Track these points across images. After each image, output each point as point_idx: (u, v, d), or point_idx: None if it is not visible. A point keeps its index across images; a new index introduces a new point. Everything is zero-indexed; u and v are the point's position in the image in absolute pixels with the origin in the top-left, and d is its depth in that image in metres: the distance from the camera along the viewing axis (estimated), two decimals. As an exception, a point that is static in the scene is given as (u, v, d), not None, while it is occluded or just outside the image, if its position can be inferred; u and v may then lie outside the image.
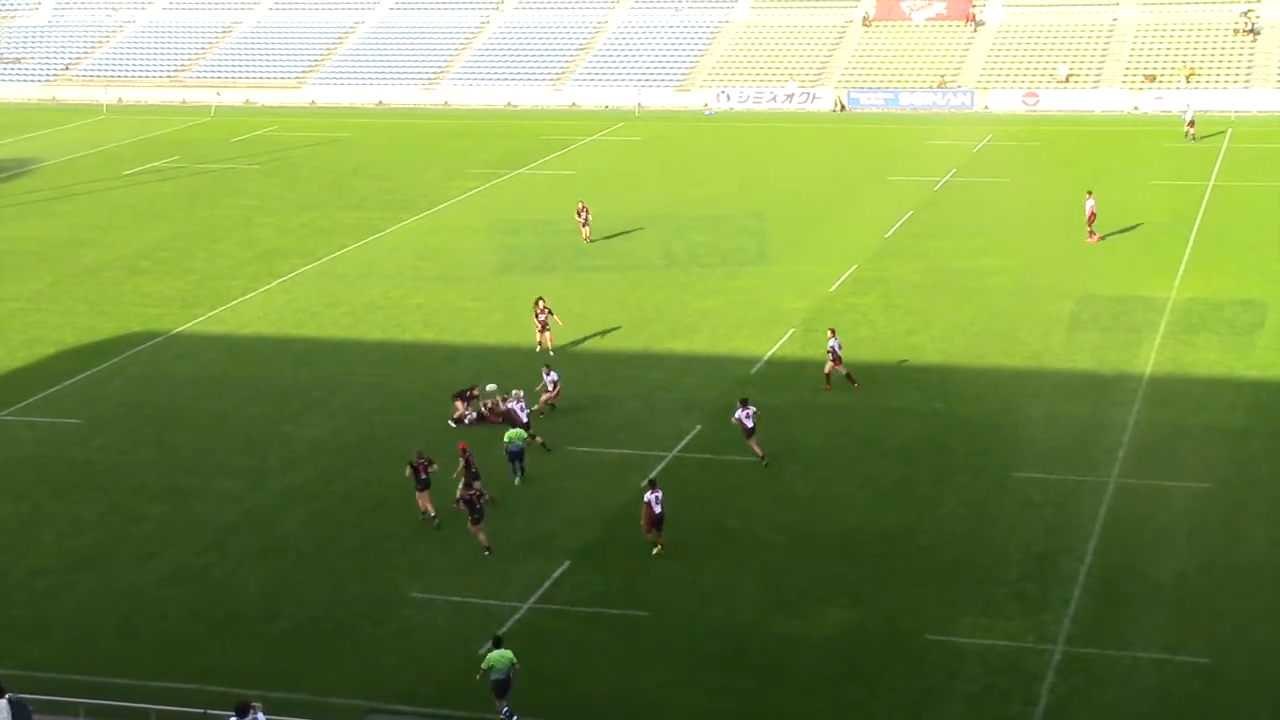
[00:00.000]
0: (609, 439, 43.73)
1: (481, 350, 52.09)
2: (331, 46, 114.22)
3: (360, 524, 38.97)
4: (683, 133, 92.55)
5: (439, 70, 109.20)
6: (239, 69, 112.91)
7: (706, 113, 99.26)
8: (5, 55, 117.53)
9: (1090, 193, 64.46)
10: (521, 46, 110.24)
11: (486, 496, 37.49)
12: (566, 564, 36.25)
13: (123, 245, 66.73)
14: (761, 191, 74.29)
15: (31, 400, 47.76)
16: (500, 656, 30.16)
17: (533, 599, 34.64)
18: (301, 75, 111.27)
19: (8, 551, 37.86)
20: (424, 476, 38.56)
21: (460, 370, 50.04)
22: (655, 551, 36.70)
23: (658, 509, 36.61)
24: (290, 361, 51.41)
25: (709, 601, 34.51)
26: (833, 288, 57.77)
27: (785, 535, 37.68)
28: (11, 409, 47.15)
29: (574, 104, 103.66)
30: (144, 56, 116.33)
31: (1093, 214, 63.56)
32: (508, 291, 58.75)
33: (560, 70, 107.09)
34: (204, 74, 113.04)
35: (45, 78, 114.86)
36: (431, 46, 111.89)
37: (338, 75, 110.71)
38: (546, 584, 35.31)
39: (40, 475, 42.42)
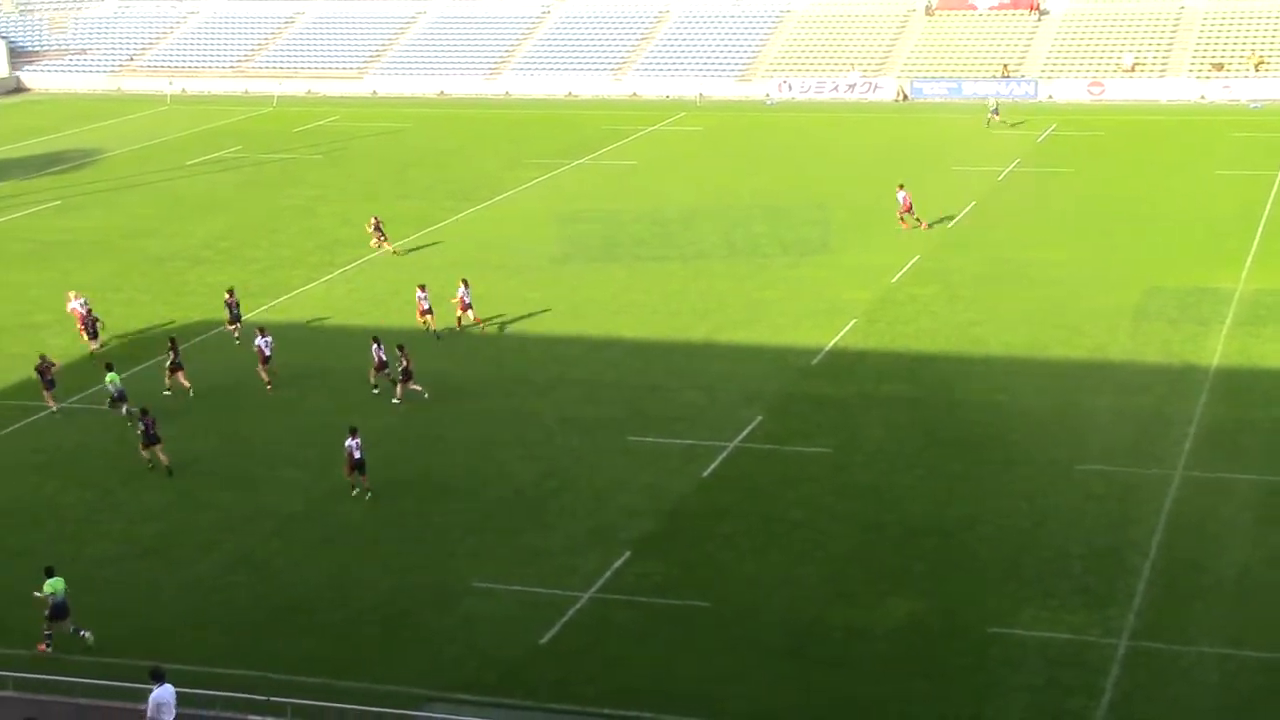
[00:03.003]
0: (670, 429, 43.83)
1: (542, 339, 52.28)
2: (393, 36, 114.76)
3: (423, 513, 39.24)
4: (744, 123, 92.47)
5: (500, 60, 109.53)
6: (301, 59, 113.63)
7: (768, 103, 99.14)
8: (71, 46, 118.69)
9: (902, 185, 64.98)
10: (583, 36, 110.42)
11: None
12: (628, 554, 36.40)
13: (185, 235, 67.33)
14: (823, 182, 74.20)
15: (98, 389, 48.24)
16: (57, 582, 32.79)
17: (594, 589, 34.80)
18: (363, 65, 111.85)
19: (76, 539, 38.34)
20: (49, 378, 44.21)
21: (524, 360, 50.30)
22: (355, 493, 39.64)
23: (357, 455, 39.54)
24: (352, 351, 51.67)
25: (771, 593, 34.57)
26: (895, 278, 57.66)
27: (848, 526, 37.70)
28: (78, 397, 47.71)
29: (635, 94, 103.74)
30: (207, 47, 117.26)
31: (908, 205, 64.29)
32: (569, 282, 58.94)
33: (622, 60, 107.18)
34: (266, 64, 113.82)
35: (110, 68, 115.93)
36: (493, 36, 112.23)
37: (399, 65, 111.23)
38: (608, 574, 35.47)
39: (108, 464, 42.92)
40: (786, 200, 68.64)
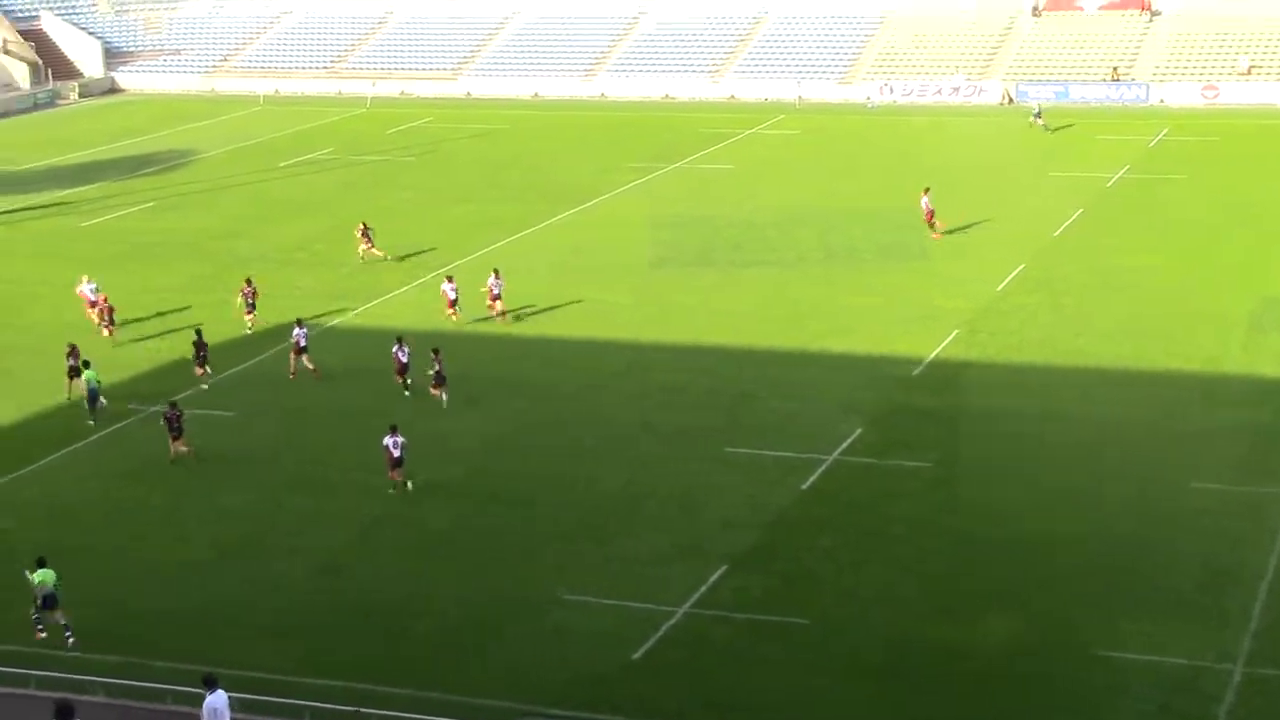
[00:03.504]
0: (766, 440, 43.39)
1: (635, 346, 52.02)
2: (487, 37, 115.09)
3: (510, 522, 39.05)
4: (844, 126, 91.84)
5: (596, 61, 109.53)
6: (395, 60, 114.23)
7: (869, 106, 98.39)
8: (166, 46, 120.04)
9: (927, 190, 64.32)
10: (680, 37, 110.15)
11: None
12: (724, 568, 35.99)
13: (276, 237, 67.70)
14: (925, 186, 73.32)
15: (185, 392, 48.52)
16: (47, 574, 33.56)
17: (689, 603, 34.42)
18: (457, 66, 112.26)
19: (159, 544, 38.51)
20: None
21: (613, 366, 50.06)
22: (392, 491, 40.13)
23: (396, 453, 40.09)
24: (439, 345, 51.68)
25: (870, 608, 34.06)
26: (999, 287, 56.88)
27: (948, 541, 37.09)
28: (167, 400, 47.90)
29: (733, 96, 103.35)
30: (301, 47, 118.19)
31: (930, 213, 63.56)
32: (663, 287, 58.66)
33: (719, 61, 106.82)
34: (360, 65, 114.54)
35: (204, 69, 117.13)
36: (588, 37, 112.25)
37: (494, 66, 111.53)
38: (703, 588, 35.07)
39: (192, 467, 43.11)
40: (886, 205, 68.00)
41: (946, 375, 48.34)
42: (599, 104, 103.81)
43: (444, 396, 46.60)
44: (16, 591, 35.14)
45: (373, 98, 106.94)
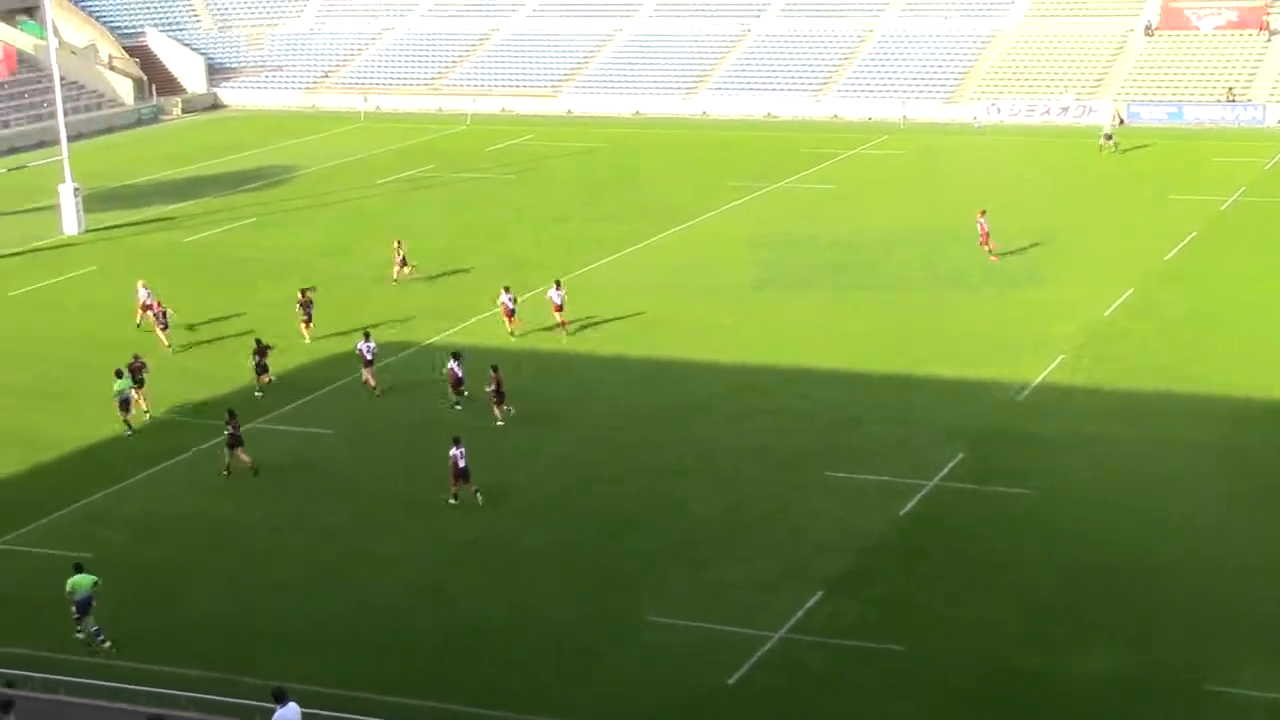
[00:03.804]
0: (866, 464, 43.38)
1: (735, 368, 52.15)
2: (589, 55, 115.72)
3: (604, 543, 39.30)
4: (950, 146, 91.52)
5: (698, 79, 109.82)
6: (495, 77, 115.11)
7: (975, 126, 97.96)
8: (268, 62, 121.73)
9: (984, 211, 64.14)
10: (783, 56, 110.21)
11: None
12: (820, 593, 36.04)
13: (374, 255, 68.33)
14: (1032, 209, 72.95)
15: (284, 409, 49.24)
16: (83, 579, 34.43)
17: (784, 629, 34.49)
18: (558, 84, 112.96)
19: (256, 561, 39.07)
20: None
21: (710, 387, 50.22)
22: (454, 501, 41.14)
23: (462, 464, 40.93)
24: (538, 376, 52.11)
25: (969, 636, 33.96)
26: (1107, 312, 56.48)
27: (1051, 569, 36.90)
28: (265, 417, 48.68)
29: (836, 115, 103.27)
30: (401, 64, 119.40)
31: (985, 234, 63.53)
32: (764, 308, 58.76)
33: (823, 80, 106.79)
34: (460, 82, 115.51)
35: (305, 85, 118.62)
36: (691, 55, 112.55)
37: (595, 84, 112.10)
38: (799, 613, 35.13)
39: (290, 484, 43.72)
40: (993, 228, 67.63)
41: (1051, 401, 48.08)
42: (700, 122, 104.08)
43: (499, 412, 47.34)
44: (117, 606, 35.87)
45: (473, 115, 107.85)
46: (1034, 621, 34.54)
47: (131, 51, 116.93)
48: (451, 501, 41.66)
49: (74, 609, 34.84)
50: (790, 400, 48.89)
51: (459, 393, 49.01)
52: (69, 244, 73.37)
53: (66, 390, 51.14)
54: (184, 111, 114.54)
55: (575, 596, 36.48)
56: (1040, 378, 49.83)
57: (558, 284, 56.68)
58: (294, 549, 39.63)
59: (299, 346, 54.85)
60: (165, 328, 56.19)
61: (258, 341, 51.73)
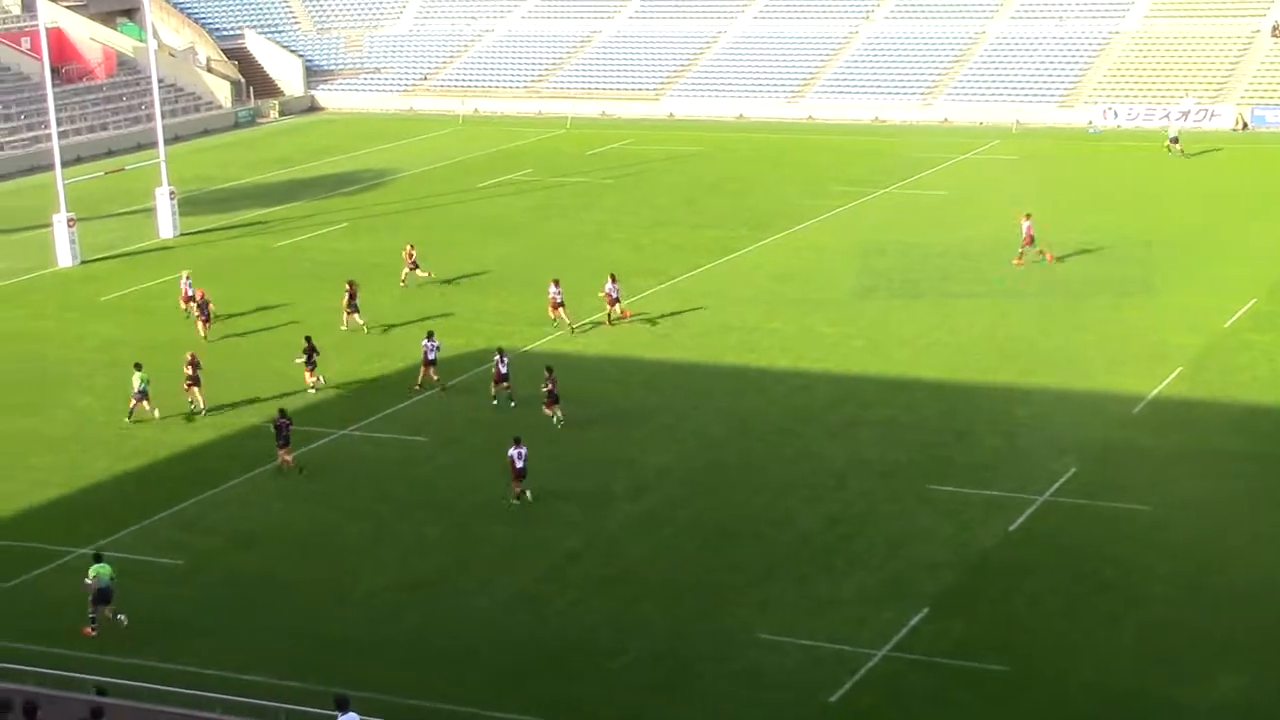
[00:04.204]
0: (973, 478, 43.05)
1: (838, 378, 51.97)
2: (692, 57, 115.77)
3: (706, 557, 39.26)
4: (1064, 152, 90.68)
5: (803, 83, 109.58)
6: (596, 80, 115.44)
7: (1091, 130, 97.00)
8: (366, 65, 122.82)
9: (1029, 215, 64.30)
10: (891, 58, 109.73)
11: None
12: (925, 610, 35.80)
13: (470, 260, 68.67)
14: (1150, 216, 72.15)
15: (378, 416, 49.61)
16: (104, 568, 35.83)
17: (888, 646, 34.30)
18: (660, 87, 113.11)
19: (350, 570, 39.35)
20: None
21: (815, 399, 50.06)
22: (515, 503, 42.07)
23: (520, 464, 41.83)
24: (638, 384, 52.17)
25: (1079, 658, 33.60)
26: (1228, 323, 55.73)
27: (1168, 589, 36.45)
28: (358, 424, 49.08)
29: (946, 119, 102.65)
30: (501, 66, 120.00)
31: (1030, 237, 63.66)
32: (869, 317, 58.51)
33: (932, 84, 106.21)
34: (560, 85, 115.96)
35: (404, 87, 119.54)
36: (796, 57, 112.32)
37: (697, 87, 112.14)
38: (903, 631, 34.92)
39: (384, 493, 44.04)
40: (1107, 236, 67.10)
41: (1169, 414, 47.50)
42: (806, 126, 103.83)
43: (557, 415, 47.99)
44: (209, 616, 36.30)
45: (573, 118, 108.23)
46: (1149, 643, 34.12)
47: (230, 54, 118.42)
48: (514, 502, 42.40)
49: (93, 597, 35.96)
50: (895, 412, 48.63)
51: (501, 389, 50.14)
52: (163, 247, 74.35)
53: (156, 394, 51.73)
54: (281, 114, 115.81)
55: (677, 612, 36.45)
56: (1157, 390, 49.23)
57: (613, 277, 58.36)
58: (387, 560, 39.89)
59: (396, 351, 55.15)
60: (207, 320, 58.51)
61: (307, 339, 52.57)
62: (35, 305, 64.91)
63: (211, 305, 59.20)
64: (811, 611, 36.06)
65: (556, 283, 58.41)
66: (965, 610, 35.93)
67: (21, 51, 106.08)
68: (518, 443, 42.51)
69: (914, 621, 35.30)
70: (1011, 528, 40.00)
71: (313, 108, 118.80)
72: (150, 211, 77.58)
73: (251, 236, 75.99)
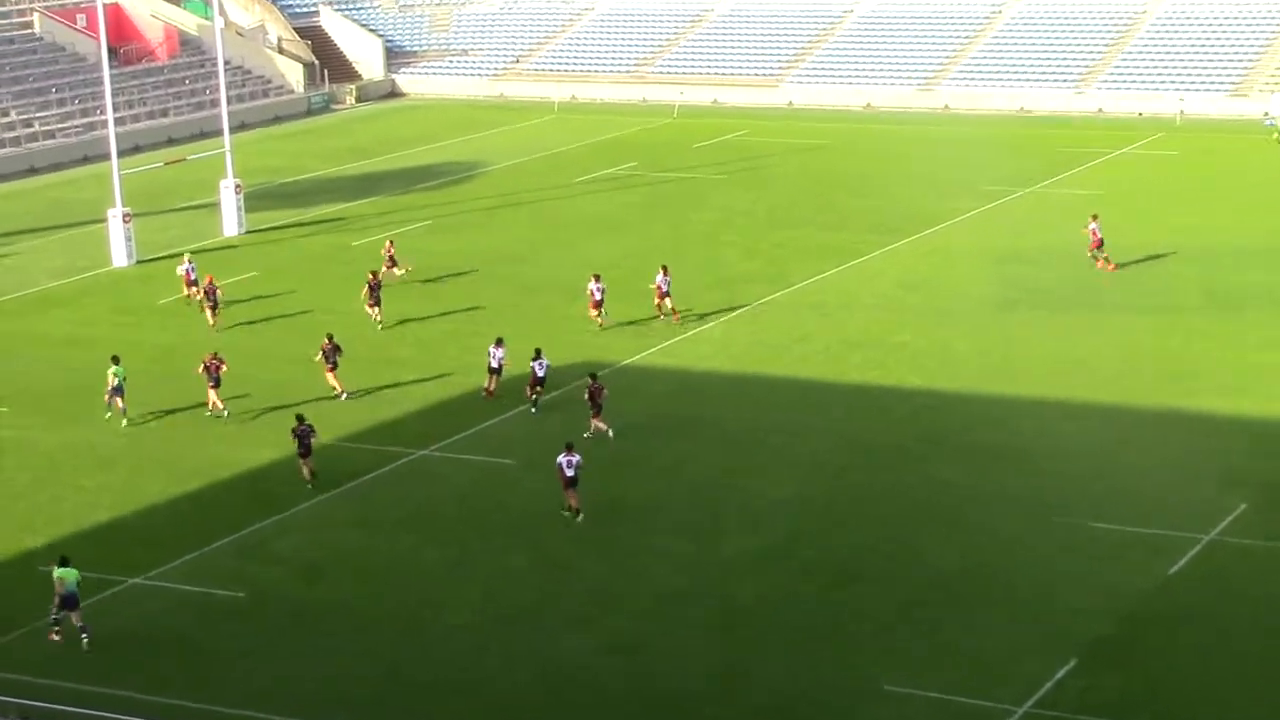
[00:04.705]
0: (1127, 514, 42.58)
1: (973, 398, 51.65)
2: (814, 39, 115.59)
3: (827, 598, 39.05)
4: (1235, 147, 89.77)
5: (938, 68, 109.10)
6: (707, 64, 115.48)
7: (1266, 123, 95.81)
8: (452, 46, 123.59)
9: (1095, 216, 64.55)
10: (1039, 40, 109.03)
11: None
12: (1073, 662, 35.43)
13: (567, 263, 68.88)
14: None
15: (462, 435, 49.79)
16: (71, 572, 37.06)
17: (1030, 702, 33.94)
18: (778, 72, 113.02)
19: (431, 603, 39.46)
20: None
21: (947, 421, 49.72)
22: (566, 514, 42.81)
23: (570, 472, 42.46)
24: (750, 404, 52.06)
25: (1245, 716, 33.10)
26: None
27: (1349, 646, 35.89)
28: (440, 444, 49.27)
29: (1100, 110, 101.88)
30: (601, 49, 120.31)
31: (1098, 241, 64.00)
32: (1008, 331, 58.12)
33: (1085, 70, 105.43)
34: (667, 69, 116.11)
35: (493, 71, 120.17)
36: (930, 40, 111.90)
37: (820, 72, 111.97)
38: (1048, 685, 34.54)
39: (469, 520, 44.17)
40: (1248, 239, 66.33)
41: (1354, 445, 46.88)
42: (941, 117, 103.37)
43: (597, 426, 48.60)
44: (271, 652, 36.53)
45: (680, 106, 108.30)
46: (1328, 704, 33.62)
47: (303, 33, 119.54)
48: (564, 514, 42.98)
49: (57, 601, 37.18)
50: (1038, 437, 48.21)
51: (536, 394, 51.25)
52: (227, 246, 75.13)
53: (207, 413, 52.22)
54: (358, 100, 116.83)
55: (793, 659, 36.25)
56: (1340, 418, 48.65)
57: (664, 269, 60.20)
58: (469, 593, 39.98)
59: (479, 362, 55.25)
60: (215, 306, 61.12)
61: (329, 337, 53.75)
62: (87, 309, 65.79)
63: (220, 291, 61.80)
64: (943, 662, 35.77)
65: (597, 278, 59.70)
66: (1119, 663, 35.52)
67: (77, 30, 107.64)
68: (569, 449, 43.06)
69: (1060, 675, 34.94)
70: (1172, 570, 39.52)
71: (393, 93, 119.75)
72: (214, 206, 78.45)
73: (324, 234, 76.62)
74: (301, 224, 78.92)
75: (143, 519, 44.93)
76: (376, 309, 60.65)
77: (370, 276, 61.31)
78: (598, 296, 59.41)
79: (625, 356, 56.71)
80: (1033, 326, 58.64)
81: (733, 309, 61.58)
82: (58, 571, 37.44)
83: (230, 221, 77.26)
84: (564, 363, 55.02)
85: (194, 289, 63.49)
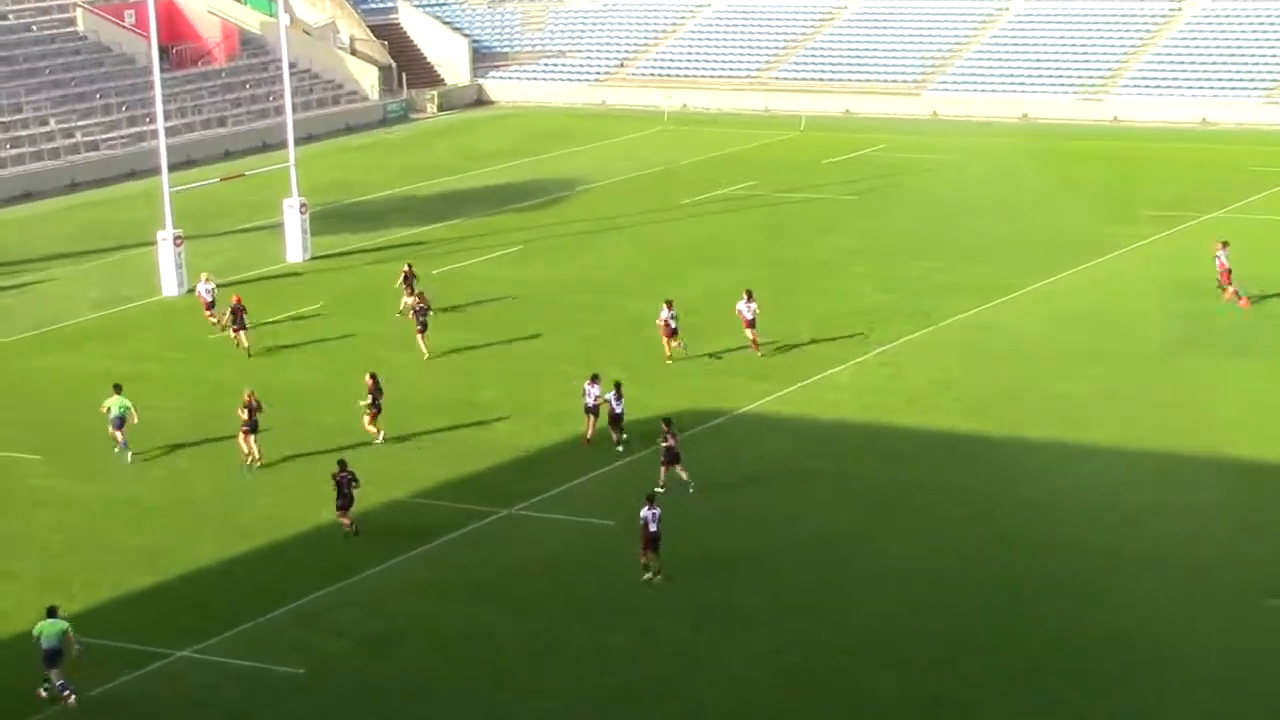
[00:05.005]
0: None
1: (1135, 455, 51.45)
2: (963, 40, 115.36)
3: (942, 667, 38.91)
4: None
5: (1107, 74, 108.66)
6: (838, 68, 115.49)
7: None
8: (548, 47, 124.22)
9: (1225, 243, 64.08)
10: (1225, 43, 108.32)
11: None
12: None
13: (675, 295, 68.61)
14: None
15: (556, 491, 49.89)
16: (53, 626, 37.73)
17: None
18: (921, 77, 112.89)
19: (512, 684, 39.55)
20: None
21: (1100, 479, 49.50)
22: (646, 577, 43.06)
23: (653, 528, 42.64)
24: (882, 457, 51.96)
25: None
26: None
27: None
28: (530, 501, 49.41)
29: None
30: (718, 51, 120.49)
31: (1225, 271, 63.79)
32: (1186, 377, 57.79)
33: (1278, 77, 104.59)
34: (792, 74, 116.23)
35: (594, 76, 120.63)
36: (1097, 42, 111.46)
37: (968, 78, 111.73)
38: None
39: (561, 588, 44.22)
40: None
41: None
42: (1108, 130, 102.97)
43: (671, 475, 48.89)
44: (332, 734, 36.86)
45: (807, 117, 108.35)
46: None
47: (379, 32, 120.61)
48: (645, 577, 43.20)
49: (42, 661, 38.06)
50: (1214, 497, 47.88)
51: (618, 432, 52.30)
52: (290, 274, 75.88)
53: (271, 461, 52.65)
54: (440, 108, 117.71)
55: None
56: None
57: (749, 295, 61.22)
58: (557, 674, 40.05)
59: (573, 410, 55.37)
60: (242, 328, 62.85)
61: (372, 377, 54.18)
62: (134, 343, 66.56)
63: (245, 314, 63.39)
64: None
65: (669, 304, 60.35)
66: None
67: (124, 28, 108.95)
68: (651, 502, 43.33)
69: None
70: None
71: (480, 100, 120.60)
72: (276, 229, 79.20)
73: (400, 262, 76.84)
74: (374, 249, 79.49)
75: (191, 584, 45.30)
76: (422, 335, 62.03)
77: (416, 301, 62.73)
78: (672, 325, 60.07)
79: (742, 402, 56.77)
80: (1209, 371, 58.26)
81: (865, 351, 61.52)
82: (39, 626, 38.18)
83: (294, 246, 77.94)
84: (672, 409, 55.08)
85: (211, 311, 65.76)
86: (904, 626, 41.37)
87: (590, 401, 52.90)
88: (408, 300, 66.04)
